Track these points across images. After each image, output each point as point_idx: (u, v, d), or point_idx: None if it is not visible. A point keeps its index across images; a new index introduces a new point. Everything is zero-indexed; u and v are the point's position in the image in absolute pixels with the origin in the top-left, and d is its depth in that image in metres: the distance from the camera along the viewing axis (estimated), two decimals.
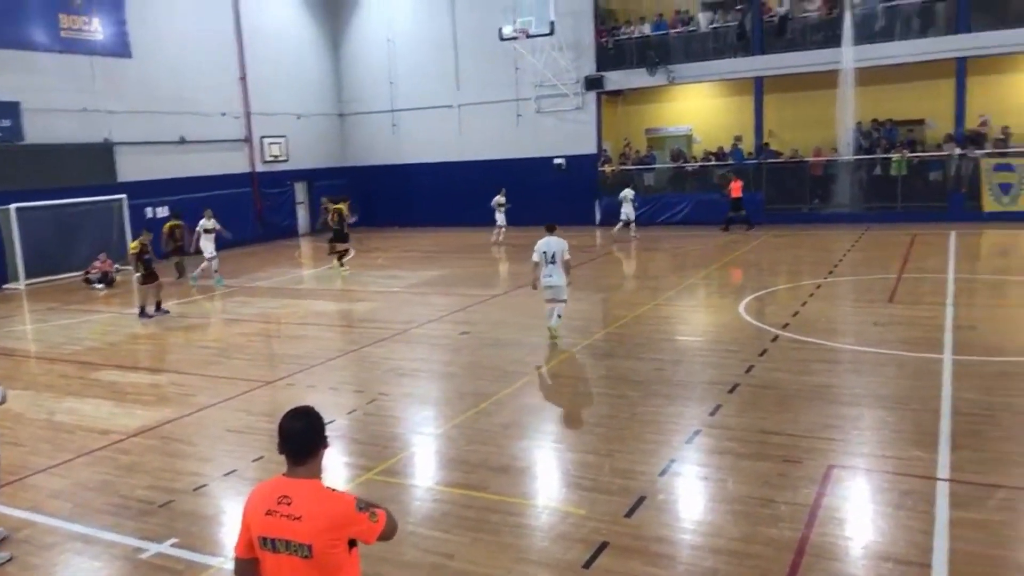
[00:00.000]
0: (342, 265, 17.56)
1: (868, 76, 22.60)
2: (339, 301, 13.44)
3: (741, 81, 24.32)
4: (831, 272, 13.62)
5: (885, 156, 22.84)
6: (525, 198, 24.83)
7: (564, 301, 9.96)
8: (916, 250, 16.23)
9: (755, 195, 23.35)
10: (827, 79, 22.79)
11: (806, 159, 23.89)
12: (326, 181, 26.00)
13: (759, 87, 23.92)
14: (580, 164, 25.68)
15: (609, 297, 12.18)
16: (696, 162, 25.11)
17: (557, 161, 25.91)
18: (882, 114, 23.96)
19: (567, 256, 9.83)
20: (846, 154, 23.32)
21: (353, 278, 15.78)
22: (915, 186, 22.57)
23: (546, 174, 25.89)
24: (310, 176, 25.73)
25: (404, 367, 9.45)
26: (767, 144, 24.51)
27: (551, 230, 9.94)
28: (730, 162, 24.10)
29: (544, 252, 9.89)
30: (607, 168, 25.33)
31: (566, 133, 25.79)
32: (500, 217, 21.77)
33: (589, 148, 25.76)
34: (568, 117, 25.70)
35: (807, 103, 24.71)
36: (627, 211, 21.44)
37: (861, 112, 23.26)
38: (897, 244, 17.64)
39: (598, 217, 25.16)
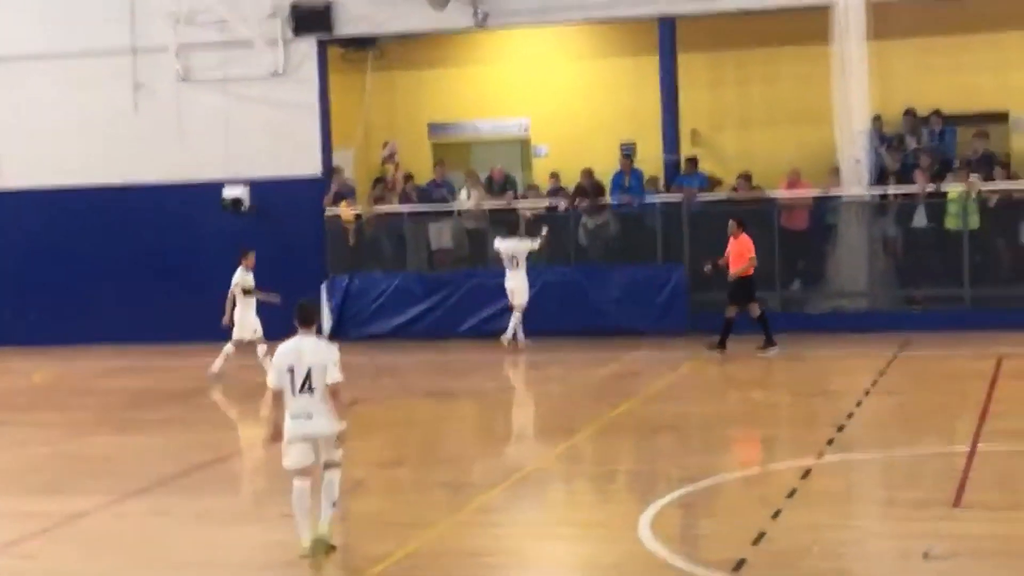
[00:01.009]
0: None
1: (896, 19, 23.19)
2: None
3: (631, 27, 25.44)
4: (831, 441, 13.77)
5: (934, 192, 22.73)
6: (158, 277, 25.83)
7: (336, 465, 10.35)
8: (1004, 391, 16.78)
9: (667, 271, 23.63)
10: (809, 24, 23.41)
11: (771, 195, 23.81)
12: None
13: (666, 39, 24.46)
14: (285, 199, 25.33)
15: (353, 508, 11.92)
16: (540, 198, 25.16)
17: (230, 194, 25.45)
18: (924, 100, 24.42)
19: (337, 377, 10.24)
20: (853, 186, 23.06)
21: None
22: (995, 251, 23.12)
23: (207, 220, 25.51)
24: None
25: None
26: (688, 163, 24.54)
27: (306, 322, 10.59)
28: (609, 202, 24.44)
29: (292, 368, 10.29)
30: (346, 210, 24.95)
31: (250, 131, 25.61)
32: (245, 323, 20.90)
33: (305, 165, 25.33)
34: (252, 94, 25.72)
35: (772, 77, 25.76)
36: (516, 293, 22.83)
37: (882, 97, 23.53)
38: (965, 376, 18.45)
39: (327, 318, 24.66)
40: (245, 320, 19.90)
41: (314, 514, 9.98)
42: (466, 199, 24.72)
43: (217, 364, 19.45)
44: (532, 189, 25.40)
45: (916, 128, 23.93)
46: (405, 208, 25.18)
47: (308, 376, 10.29)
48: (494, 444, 14.92)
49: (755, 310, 20.50)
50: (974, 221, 22.45)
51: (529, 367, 21.00)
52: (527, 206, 24.65)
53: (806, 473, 11.73)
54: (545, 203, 24.62)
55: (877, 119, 23.51)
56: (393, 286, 24.17)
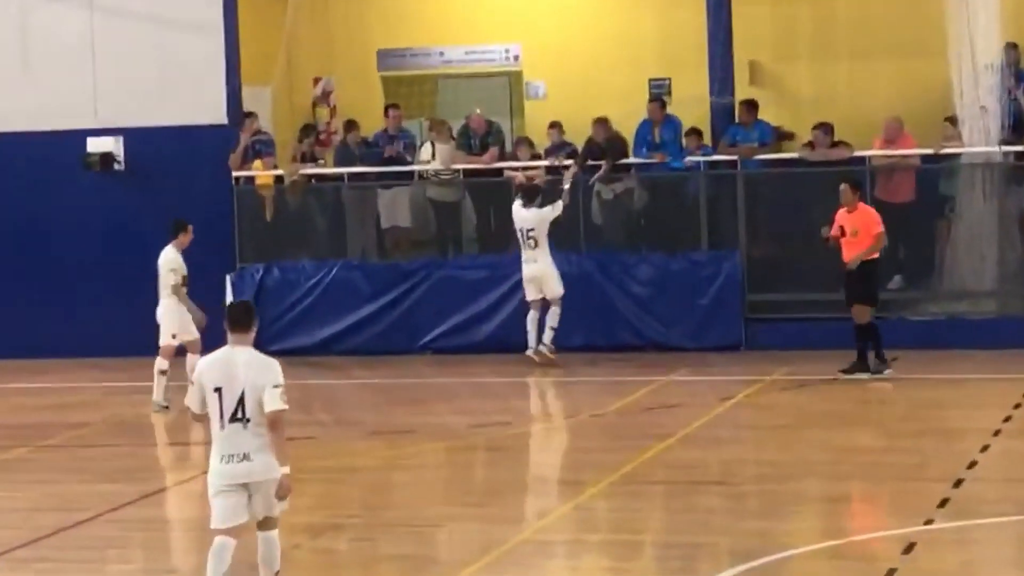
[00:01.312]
0: None
1: None
2: None
3: None
4: (945, 502, 13.80)
5: None
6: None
7: (275, 524, 11.15)
8: None
9: (716, 261, 24.02)
10: None
11: (862, 154, 24.03)
12: None
13: None
14: (175, 156, 26.09)
15: None
16: (536, 160, 25.32)
17: (97, 148, 26.12)
18: None
19: (279, 404, 10.77)
20: (978, 142, 23.32)
21: None
22: None
23: (64, 184, 26.40)
24: None
25: None
26: (745, 108, 24.86)
27: (240, 326, 11.13)
28: (633, 162, 24.73)
29: (219, 389, 10.86)
30: (261, 171, 25.60)
31: (125, 62, 25.89)
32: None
33: (203, 108, 25.71)
34: (130, 10, 26.32)
35: None
36: (543, 281, 23.27)
37: (1020, 18, 23.83)
38: None
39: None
40: (182, 317, 20.35)
41: None
42: (430, 157, 24.75)
43: (158, 391, 20.16)
44: (524, 143, 25.41)
45: None
46: (344, 170, 25.24)
47: (242, 401, 10.61)
48: (468, 504, 14.83)
49: (865, 314, 20.63)
50: None
51: (520, 396, 21.18)
52: (518, 167, 24.78)
53: (909, 547, 11.60)
54: (544, 164, 24.78)
55: (1013, 48, 23.56)
56: (327, 280, 24.23)
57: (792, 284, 23.64)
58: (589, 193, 24.13)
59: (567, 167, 23.31)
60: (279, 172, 25.39)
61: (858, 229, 20.52)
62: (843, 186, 20.99)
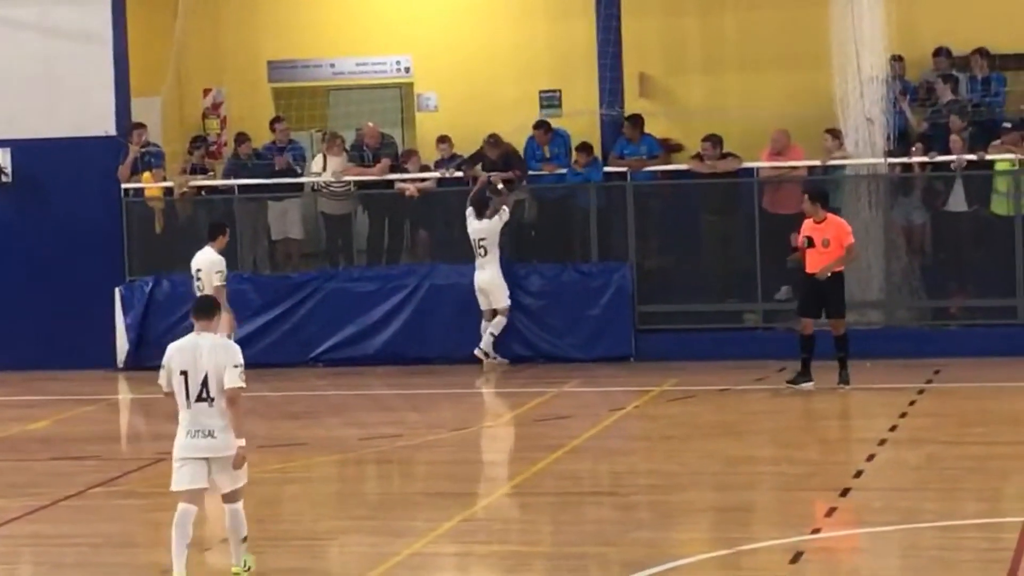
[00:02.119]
0: None
1: None
2: None
3: None
4: (832, 511, 13.96)
5: (977, 163, 23.10)
6: None
7: (238, 497, 11.92)
8: None
9: (605, 272, 24.00)
10: None
11: (749, 166, 24.26)
12: None
13: None
14: (62, 168, 25.95)
15: None
16: (426, 171, 25.39)
17: None
18: (963, 35, 24.74)
19: (237, 382, 11.65)
20: (864, 154, 23.60)
21: None
22: None
23: None
24: None
25: None
26: (629, 121, 24.67)
27: (203, 315, 12.01)
28: (523, 174, 24.41)
29: (185, 372, 11.73)
30: (150, 183, 25.45)
31: (11, 71, 25.85)
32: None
33: (90, 119, 25.54)
34: (15, 17, 26.08)
35: (752, 1, 26.26)
36: (489, 291, 23.62)
37: (904, 31, 24.02)
38: (1018, 418, 18.76)
39: (122, 339, 25.06)
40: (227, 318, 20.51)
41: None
42: (321, 169, 24.73)
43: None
44: (413, 155, 25.35)
45: (950, 72, 24.00)
46: (235, 182, 25.11)
47: (205, 382, 11.56)
48: (358, 517, 14.81)
49: (841, 327, 20.42)
50: None
51: (411, 408, 21.11)
52: (409, 179, 24.70)
53: (797, 556, 11.64)
54: (436, 175, 24.74)
55: (897, 61, 23.61)
56: None
57: (682, 295, 23.74)
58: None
59: (508, 180, 23.33)
60: (168, 184, 25.13)
61: (829, 239, 20.38)
62: (805, 196, 20.89)
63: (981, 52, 23.82)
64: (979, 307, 23.44)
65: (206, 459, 11.63)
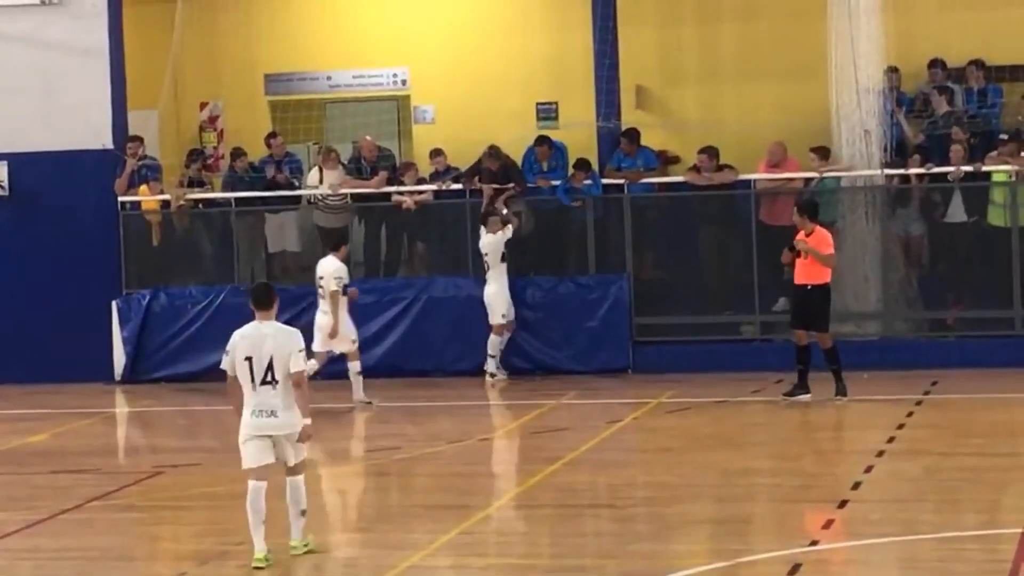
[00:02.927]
0: None
1: None
2: None
3: None
4: (830, 524, 13.93)
5: (973, 175, 23.12)
6: None
7: (301, 470, 12.83)
8: None
9: (603, 285, 24.07)
10: None
11: (746, 178, 24.28)
12: None
13: None
14: (59, 182, 25.83)
15: None
16: (423, 184, 25.33)
17: None
18: (959, 47, 24.86)
19: (301, 366, 12.58)
20: (860, 166, 23.62)
21: None
22: None
23: None
24: None
25: None
26: (625, 137, 24.69)
27: (264, 305, 12.87)
28: (520, 186, 24.42)
29: (250, 358, 12.48)
30: (147, 196, 25.41)
31: (7, 84, 25.83)
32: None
33: (88, 132, 25.50)
34: (11, 31, 25.99)
35: (748, 14, 26.36)
36: (489, 305, 23.64)
37: (901, 43, 24.15)
38: (1015, 429, 19.03)
39: (119, 353, 24.93)
40: (344, 326, 21.16)
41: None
42: (317, 182, 24.65)
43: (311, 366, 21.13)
44: (410, 168, 25.23)
45: (945, 83, 23.97)
46: (232, 195, 25.05)
47: (270, 366, 12.33)
48: (356, 530, 14.85)
49: (827, 340, 20.37)
50: None
51: (409, 420, 21.09)
52: (406, 191, 24.62)
53: (795, 568, 11.57)
54: (432, 188, 24.63)
55: (893, 72, 23.61)
56: (215, 306, 24.00)
57: (679, 307, 23.73)
58: (476, 214, 23.93)
59: (509, 196, 23.28)
60: (165, 197, 25.02)
61: (812, 250, 20.44)
62: (795, 208, 20.84)
63: (977, 64, 23.80)
64: (976, 318, 23.39)
65: (270, 436, 12.45)
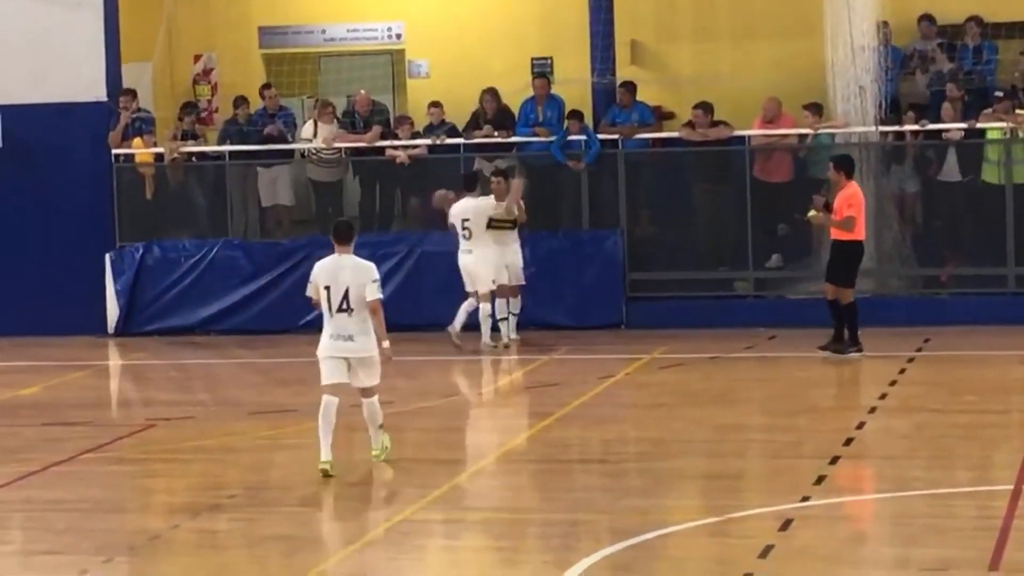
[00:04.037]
0: None
1: None
2: None
3: None
4: (821, 479, 13.96)
5: (968, 132, 23.10)
6: None
7: (374, 392, 14.30)
8: None
9: (596, 240, 24.22)
10: None
11: (740, 134, 24.28)
12: None
13: None
14: (51, 135, 25.77)
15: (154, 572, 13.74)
16: (417, 139, 25.17)
17: None
18: (954, 2, 24.75)
19: (376, 295, 13.94)
20: (854, 123, 23.60)
21: None
22: None
23: None
24: None
25: None
26: (623, 87, 24.71)
27: (344, 240, 14.20)
28: (520, 140, 24.76)
29: (328, 287, 13.96)
30: (141, 148, 25.48)
31: (6, 43, 25.69)
32: None
33: (80, 85, 25.62)
34: None
35: None
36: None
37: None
38: (1009, 387, 18.87)
39: (113, 305, 25.01)
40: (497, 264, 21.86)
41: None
42: (311, 136, 24.66)
43: (458, 322, 21.55)
44: (404, 122, 25.19)
45: (942, 42, 23.97)
46: (225, 148, 25.02)
47: (346, 295, 13.63)
48: (347, 484, 14.75)
49: (847, 295, 20.35)
50: (1023, 173, 22.66)
51: (401, 375, 20.87)
52: (400, 145, 24.57)
53: (786, 524, 11.63)
54: (426, 142, 24.57)
55: (885, 27, 23.59)
56: (208, 259, 24.01)
57: (673, 263, 23.69)
58: (470, 166, 23.89)
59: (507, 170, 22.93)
60: (159, 150, 25.01)
61: (838, 208, 20.43)
62: (830, 165, 20.81)
63: (976, 20, 23.70)
64: (970, 276, 23.44)
65: (346, 359, 13.77)
